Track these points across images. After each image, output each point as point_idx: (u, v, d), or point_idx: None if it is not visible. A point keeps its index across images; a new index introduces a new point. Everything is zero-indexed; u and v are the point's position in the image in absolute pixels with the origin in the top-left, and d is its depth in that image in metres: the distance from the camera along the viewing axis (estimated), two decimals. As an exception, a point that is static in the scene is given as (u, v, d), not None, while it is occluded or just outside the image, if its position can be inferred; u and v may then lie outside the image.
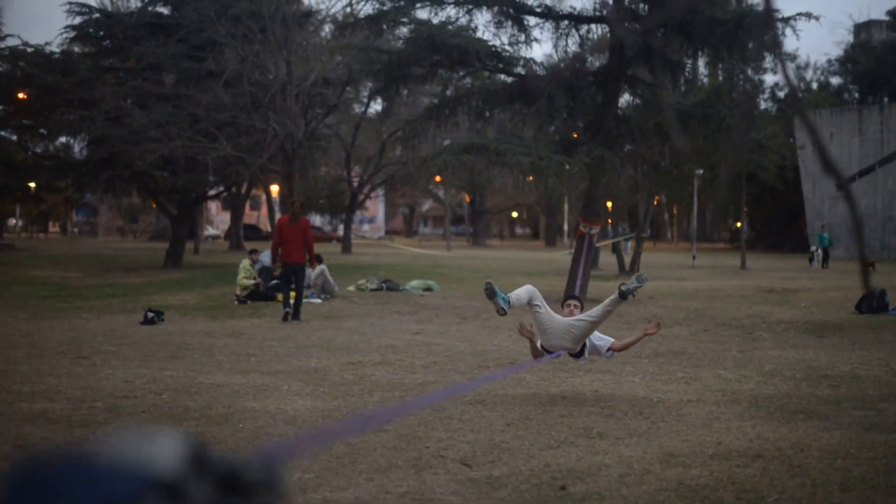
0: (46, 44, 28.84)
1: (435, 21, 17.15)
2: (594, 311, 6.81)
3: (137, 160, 23.78)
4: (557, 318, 6.92)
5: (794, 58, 51.44)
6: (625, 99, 20.13)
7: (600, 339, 7.11)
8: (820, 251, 32.12)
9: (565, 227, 67.58)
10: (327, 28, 31.50)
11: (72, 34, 26.67)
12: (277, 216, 36.87)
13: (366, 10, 22.26)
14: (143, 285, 18.84)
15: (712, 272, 27.81)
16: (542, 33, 31.51)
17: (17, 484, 0.58)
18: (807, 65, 59.70)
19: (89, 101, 24.05)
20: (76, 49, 29.56)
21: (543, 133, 17.67)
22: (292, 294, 13.15)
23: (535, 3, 17.26)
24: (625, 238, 33.43)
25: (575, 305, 7.18)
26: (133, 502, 0.57)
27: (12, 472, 0.59)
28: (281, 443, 0.77)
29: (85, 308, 14.38)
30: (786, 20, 16.09)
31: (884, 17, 52.69)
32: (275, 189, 39.92)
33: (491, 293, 6.79)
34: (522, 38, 17.15)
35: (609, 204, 29.19)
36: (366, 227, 79.97)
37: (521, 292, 6.92)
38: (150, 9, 26.99)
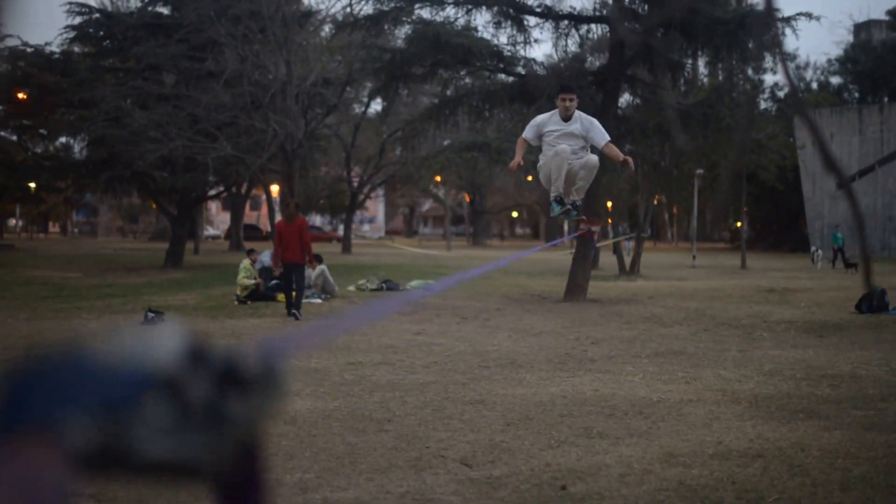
0: (46, 44, 28.87)
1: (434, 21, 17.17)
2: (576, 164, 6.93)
3: (137, 160, 23.78)
4: (563, 172, 6.98)
5: (794, 58, 51.45)
6: (625, 99, 20.13)
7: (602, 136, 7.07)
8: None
9: (565, 227, 67.46)
10: (327, 28, 31.50)
11: (72, 34, 26.67)
12: (277, 216, 36.86)
13: (366, 10, 22.26)
14: (143, 285, 18.84)
15: (712, 272, 27.82)
16: (542, 33, 31.52)
17: (8, 384, 0.58)
18: (807, 65, 59.76)
19: (89, 102, 24.05)
20: (76, 49, 29.55)
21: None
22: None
23: (535, 3, 17.25)
24: (625, 238, 33.43)
25: (570, 99, 7.04)
26: (131, 400, 0.57)
27: (4, 372, 0.59)
28: (282, 337, 0.75)
29: (85, 308, 14.37)
30: (786, 20, 16.11)
31: (884, 17, 52.68)
32: (275, 189, 39.91)
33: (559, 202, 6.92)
34: (521, 38, 17.15)
35: (609, 204, 29.18)
36: (366, 227, 79.96)
37: (560, 174, 6.85)
38: (150, 9, 26.98)
